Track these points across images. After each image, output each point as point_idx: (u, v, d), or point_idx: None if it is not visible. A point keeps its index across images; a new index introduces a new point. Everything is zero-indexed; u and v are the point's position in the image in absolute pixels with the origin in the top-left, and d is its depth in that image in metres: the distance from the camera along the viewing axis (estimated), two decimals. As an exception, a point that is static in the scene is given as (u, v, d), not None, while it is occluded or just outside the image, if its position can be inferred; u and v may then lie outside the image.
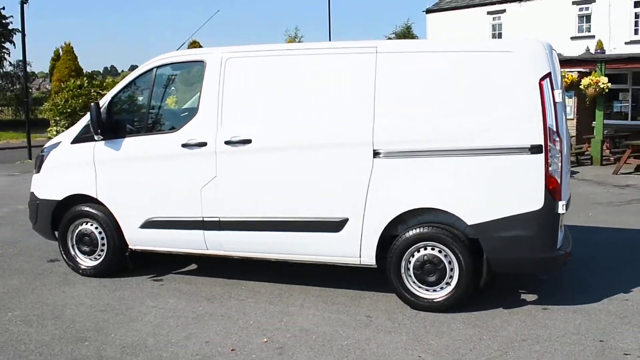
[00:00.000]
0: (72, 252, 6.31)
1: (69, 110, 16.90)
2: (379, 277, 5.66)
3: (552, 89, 4.88)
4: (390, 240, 5.31)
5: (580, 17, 23.72)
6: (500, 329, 4.85)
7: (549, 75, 4.89)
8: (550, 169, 4.87)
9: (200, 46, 21.30)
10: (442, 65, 5.11)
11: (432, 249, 5.15)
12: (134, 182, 5.93)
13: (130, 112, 6.24)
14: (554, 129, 4.86)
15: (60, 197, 6.24)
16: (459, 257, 5.06)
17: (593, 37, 22.67)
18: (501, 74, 4.96)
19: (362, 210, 5.24)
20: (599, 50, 20.39)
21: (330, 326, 4.92)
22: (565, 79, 15.35)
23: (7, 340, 4.68)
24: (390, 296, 5.51)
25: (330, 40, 27.25)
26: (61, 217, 6.32)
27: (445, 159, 5.04)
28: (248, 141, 5.47)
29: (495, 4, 26.36)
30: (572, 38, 23.35)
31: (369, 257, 5.33)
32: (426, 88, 5.11)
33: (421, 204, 5.12)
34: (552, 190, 4.89)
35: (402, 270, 5.23)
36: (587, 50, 19.88)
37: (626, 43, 21.82)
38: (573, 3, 23.64)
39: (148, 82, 5.96)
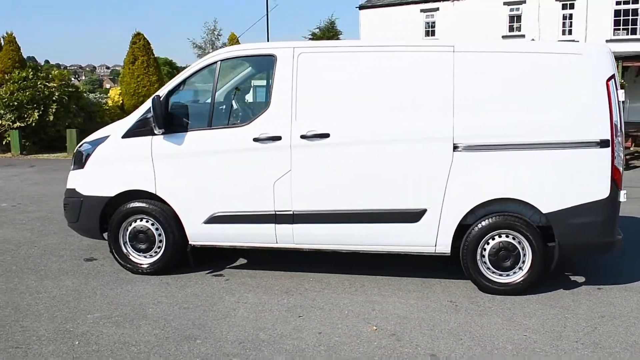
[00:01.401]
0: (125, 250, 6.12)
1: (15, 103, 15.85)
2: (428, 263, 5.98)
3: (617, 89, 5.34)
4: (459, 230, 5.60)
5: (511, 17, 25.17)
6: (575, 307, 5.27)
7: (613, 76, 5.35)
8: (615, 161, 5.34)
9: (146, 39, 20.79)
10: (516, 64, 5.43)
11: (507, 237, 5.49)
12: (199, 177, 5.84)
13: (191, 106, 6.10)
14: (619, 125, 5.33)
15: (112, 194, 6.02)
16: (532, 244, 5.43)
17: (523, 36, 24.14)
18: (572, 74, 5.35)
19: (440, 201, 5.49)
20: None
21: (424, 312, 5.14)
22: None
23: (110, 343, 4.53)
24: (458, 282, 5.82)
25: (268, 36, 27.21)
26: (110, 214, 6.12)
27: (521, 152, 5.38)
28: (326, 135, 5.56)
29: (429, 2, 27.33)
30: (504, 37, 24.75)
31: (444, 246, 5.60)
32: (501, 86, 5.42)
33: (500, 194, 5.43)
34: (616, 180, 5.36)
35: (478, 257, 5.54)
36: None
37: (554, 43, 23.38)
38: (504, 3, 25.02)
39: (211, 75, 5.87)
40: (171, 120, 5.84)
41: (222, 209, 5.83)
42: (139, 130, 5.97)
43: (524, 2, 24.26)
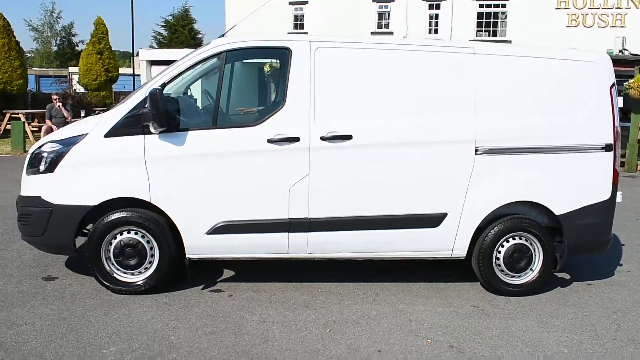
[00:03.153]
0: (108, 268, 5.26)
1: None
2: (420, 267, 5.94)
3: (617, 96, 5.66)
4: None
5: (380, 14, 25.99)
6: (585, 304, 5.50)
7: (614, 84, 5.65)
8: (615, 164, 5.65)
9: (6, 19, 18.24)
10: (532, 69, 5.51)
11: (520, 239, 5.58)
12: (203, 182, 5.18)
13: (185, 101, 5.37)
14: (619, 130, 5.66)
15: (94, 202, 5.13)
16: (544, 245, 5.57)
17: (392, 33, 25.09)
18: (582, 80, 5.56)
19: (461, 205, 5.42)
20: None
21: (459, 319, 5.04)
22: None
23: (153, 382, 3.85)
24: (463, 285, 5.84)
25: (133, 22, 25.41)
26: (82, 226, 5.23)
27: (537, 155, 5.48)
28: (348, 137, 5.22)
29: (298, -6, 27.30)
30: (372, 33, 25.51)
31: (460, 250, 5.55)
32: (520, 89, 5.47)
33: (518, 197, 5.49)
34: (615, 183, 5.69)
35: (494, 260, 5.56)
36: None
37: (421, 41, 24.58)
38: (373, 0, 25.75)
39: (215, 67, 5.22)
40: (168, 118, 5.11)
41: (228, 218, 5.23)
42: (128, 128, 5.15)
43: (393, 0, 25.21)
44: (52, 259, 6.16)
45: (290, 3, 27.71)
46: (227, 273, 5.99)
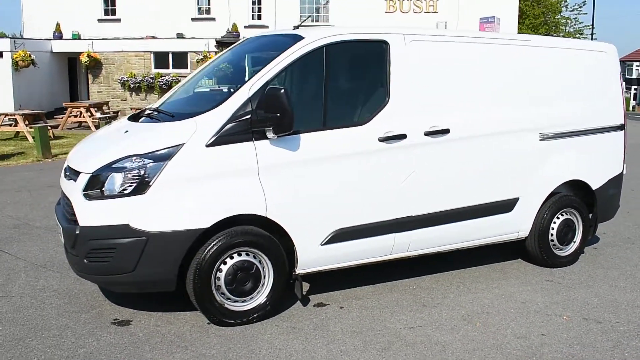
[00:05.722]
0: (218, 299, 4.51)
1: None
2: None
3: (622, 82, 6.50)
4: None
5: (199, -1, 24.93)
6: (617, 264, 6.27)
7: (620, 71, 6.47)
8: (626, 140, 6.51)
9: None
10: (571, 59, 6.06)
11: (566, 214, 6.14)
12: (317, 189, 4.73)
13: (296, 102, 4.75)
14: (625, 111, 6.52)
15: (207, 224, 4.36)
16: (584, 217, 6.22)
17: (214, 19, 24.31)
18: (603, 68, 6.27)
19: (528, 188, 5.79)
20: (234, 33, 22.45)
21: (556, 294, 5.40)
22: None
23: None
24: (512, 263, 6.24)
25: None
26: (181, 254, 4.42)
27: (579, 137, 6.08)
28: (446, 131, 5.21)
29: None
30: (193, 19, 24.45)
31: (525, 231, 5.93)
32: (563, 78, 5.99)
33: (570, 177, 6.04)
34: (625, 157, 6.55)
35: (548, 236, 6.03)
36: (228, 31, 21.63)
37: (245, 27, 24.25)
38: (191, -14, 24.59)
39: (317, 63, 4.74)
40: None
41: (342, 225, 4.88)
42: (233, 135, 4.45)
43: (214, -15, 24.44)
44: (88, 298, 5.06)
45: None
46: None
